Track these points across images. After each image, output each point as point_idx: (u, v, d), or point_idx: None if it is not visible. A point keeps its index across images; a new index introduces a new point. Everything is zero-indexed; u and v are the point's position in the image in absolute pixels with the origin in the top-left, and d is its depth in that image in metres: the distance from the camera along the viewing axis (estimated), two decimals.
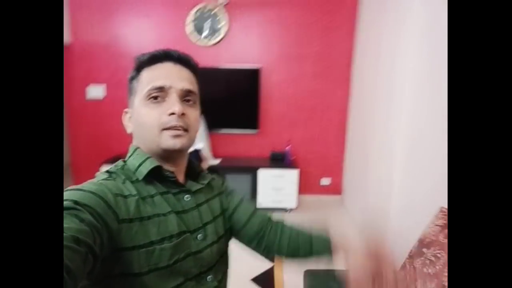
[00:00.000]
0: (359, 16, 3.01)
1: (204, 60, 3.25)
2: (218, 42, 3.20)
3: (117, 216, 0.52)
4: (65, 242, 0.39)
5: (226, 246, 0.73)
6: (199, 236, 0.64)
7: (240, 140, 3.45)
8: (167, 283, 0.56)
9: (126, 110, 0.67)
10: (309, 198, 3.51)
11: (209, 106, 3.31)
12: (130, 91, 0.66)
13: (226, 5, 3.12)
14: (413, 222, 1.79)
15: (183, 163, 0.69)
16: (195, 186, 0.68)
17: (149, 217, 0.56)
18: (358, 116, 3.01)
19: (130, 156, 0.64)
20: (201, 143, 3.08)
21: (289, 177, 3.07)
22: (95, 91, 3.37)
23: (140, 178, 0.60)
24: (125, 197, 0.55)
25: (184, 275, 0.59)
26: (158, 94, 0.60)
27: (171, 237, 0.57)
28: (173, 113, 0.59)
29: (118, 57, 3.29)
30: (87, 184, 0.53)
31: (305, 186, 3.49)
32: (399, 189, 1.99)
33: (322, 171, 3.47)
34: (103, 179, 0.57)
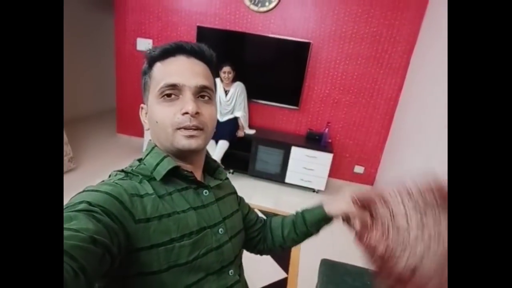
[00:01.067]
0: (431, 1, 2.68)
1: (254, 27, 3.14)
2: (271, 9, 3.04)
3: (133, 217, 0.51)
4: (82, 243, 0.39)
5: (243, 241, 0.74)
6: (220, 230, 0.63)
7: (279, 114, 3.39)
8: (187, 278, 0.55)
9: (142, 105, 0.66)
10: (339, 183, 3.45)
11: (252, 74, 3.29)
12: (143, 87, 0.64)
13: None
14: None
15: (201, 160, 0.68)
16: (213, 182, 0.67)
17: (169, 215, 0.55)
18: (407, 108, 2.80)
19: (147, 155, 0.63)
20: (240, 111, 3.08)
21: (322, 159, 3.01)
22: (144, 44, 3.42)
23: (158, 178, 0.58)
24: (142, 196, 0.54)
25: (205, 270, 0.58)
26: (171, 92, 0.58)
27: (191, 233, 0.57)
28: (186, 113, 0.57)
29: (168, 13, 3.27)
30: (103, 185, 0.53)
31: (337, 171, 3.42)
32: None
33: (357, 159, 3.36)
34: (119, 179, 0.56)
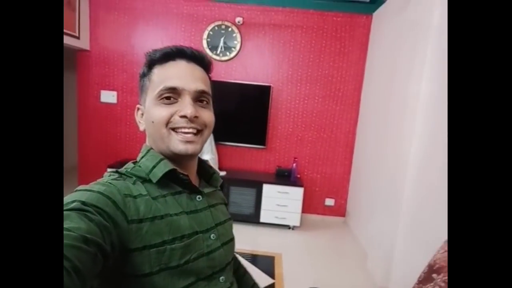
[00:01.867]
0: (371, 41, 3.12)
1: (217, 75, 3.33)
2: (232, 58, 3.29)
3: (126, 217, 0.50)
4: (74, 242, 0.39)
5: (234, 250, 0.73)
6: (212, 235, 0.62)
7: (248, 154, 3.47)
8: (178, 282, 0.54)
9: (138, 106, 0.66)
10: (312, 217, 3.47)
11: (218, 119, 3.36)
12: (141, 89, 0.64)
13: (241, 25, 3.24)
14: (422, 246, 1.77)
15: (194, 165, 0.68)
16: (207, 188, 0.68)
17: (161, 217, 0.55)
18: (365, 139, 3.05)
19: (143, 157, 0.62)
20: (208, 154, 3.10)
21: (294, 194, 3.06)
22: (108, 96, 3.42)
23: (155, 180, 0.58)
24: (135, 197, 0.54)
25: (196, 275, 0.57)
26: (170, 95, 0.58)
27: (182, 237, 0.56)
28: (184, 116, 0.57)
29: (133, 65, 3.38)
30: (96, 185, 0.52)
31: (310, 205, 3.47)
32: (407, 211, 1.99)
33: (326, 191, 3.46)
34: (112, 179, 0.55)
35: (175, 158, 0.61)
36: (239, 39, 3.25)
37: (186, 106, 0.58)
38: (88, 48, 3.33)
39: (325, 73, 3.26)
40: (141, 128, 0.65)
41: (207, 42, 3.27)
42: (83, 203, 0.46)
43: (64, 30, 2.94)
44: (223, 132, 3.39)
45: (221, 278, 0.63)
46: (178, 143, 0.58)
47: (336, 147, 3.38)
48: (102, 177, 0.58)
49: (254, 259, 2.53)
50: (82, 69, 3.43)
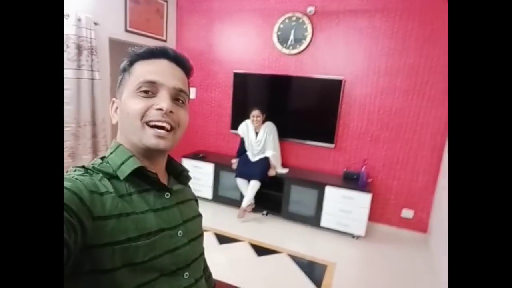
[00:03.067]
0: None
1: (286, 69, 3.25)
2: (302, 51, 3.14)
3: (92, 213, 0.50)
4: None
5: (202, 246, 0.73)
6: (179, 232, 0.63)
7: (315, 153, 3.29)
8: (140, 278, 0.54)
9: (114, 99, 0.66)
10: (383, 228, 3.07)
11: (287, 114, 3.32)
12: (119, 82, 0.65)
13: (313, 14, 3.04)
14: None
15: (163, 162, 0.68)
16: (176, 186, 0.67)
17: (127, 214, 0.55)
18: None
19: (111, 153, 0.62)
20: (270, 150, 3.08)
21: (360, 201, 2.76)
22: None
23: (122, 177, 0.58)
24: (101, 194, 0.54)
25: (160, 271, 0.58)
26: (149, 89, 0.59)
27: (148, 234, 0.56)
28: (160, 109, 0.57)
29: (209, 63, 3.61)
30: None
31: (382, 215, 3.07)
32: None
33: (404, 201, 2.99)
34: (78, 175, 0.55)
35: (146, 152, 0.61)
36: (310, 30, 3.07)
37: (163, 101, 0.58)
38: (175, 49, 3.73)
39: (409, 63, 2.77)
40: (114, 121, 0.65)
41: (278, 36, 3.21)
42: None
43: (154, 35, 3.36)
44: (290, 128, 3.30)
45: (185, 274, 0.63)
46: (151, 137, 0.58)
47: (419, 150, 2.86)
48: (66, 172, 0.57)
49: (303, 263, 2.40)
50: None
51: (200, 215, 0.75)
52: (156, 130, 0.58)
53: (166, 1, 3.46)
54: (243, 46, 3.41)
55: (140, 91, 0.59)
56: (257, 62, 3.38)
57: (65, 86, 2.44)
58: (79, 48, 2.47)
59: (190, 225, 0.67)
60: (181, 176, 0.72)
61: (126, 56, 0.64)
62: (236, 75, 3.44)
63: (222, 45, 3.52)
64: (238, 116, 3.36)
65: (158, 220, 0.59)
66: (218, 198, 3.40)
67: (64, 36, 2.38)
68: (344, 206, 2.82)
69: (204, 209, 3.27)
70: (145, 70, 0.60)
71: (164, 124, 0.58)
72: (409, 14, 2.72)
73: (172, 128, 0.60)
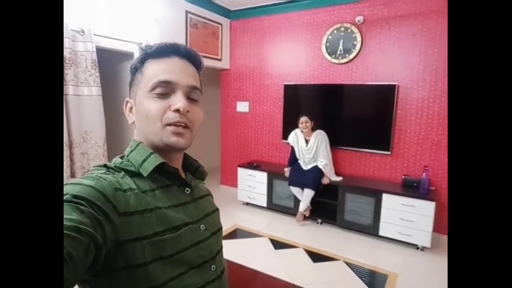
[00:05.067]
0: None
1: (336, 78, 3.28)
2: (351, 60, 3.16)
3: (117, 210, 0.51)
4: (67, 232, 0.40)
5: (222, 239, 0.74)
6: (202, 226, 0.64)
7: (370, 160, 3.22)
8: (171, 271, 0.56)
9: (127, 99, 0.66)
10: None
11: (339, 122, 3.33)
12: (132, 82, 0.64)
13: (361, 23, 3.06)
14: None
15: (181, 159, 0.70)
16: (194, 181, 0.70)
17: (151, 210, 0.56)
18: None
19: (132, 151, 0.62)
20: (323, 159, 3.09)
21: (423, 209, 2.61)
22: (242, 106, 4.00)
23: (145, 174, 0.59)
24: (125, 191, 0.55)
25: (188, 264, 0.59)
26: (163, 89, 0.59)
27: (173, 228, 0.57)
28: (177, 110, 0.58)
29: (261, 78, 3.80)
30: (86, 179, 0.53)
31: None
32: None
33: None
34: (101, 173, 0.56)
35: (165, 151, 0.62)
36: (359, 39, 3.09)
37: (180, 100, 0.59)
38: (228, 67, 4.02)
39: None
40: (130, 121, 0.65)
41: (326, 47, 3.28)
42: (75, 196, 0.47)
43: (210, 55, 3.68)
44: (343, 135, 3.29)
45: (212, 266, 0.64)
46: (170, 135, 0.59)
47: None
48: (88, 171, 0.60)
49: (362, 271, 2.34)
50: (224, 85, 4.16)
51: (217, 209, 0.76)
52: (174, 126, 0.59)
53: (221, 24, 3.78)
54: (293, 59, 3.55)
55: (155, 92, 0.59)
56: (307, 74, 3.47)
57: None
58: (130, 65, 2.82)
59: (210, 219, 0.69)
60: (197, 172, 0.72)
61: None
62: (286, 87, 3.57)
63: (273, 59, 3.70)
64: (289, 126, 3.45)
65: (181, 214, 0.61)
66: (272, 205, 3.48)
67: None
68: (405, 215, 2.68)
69: (259, 216, 3.41)
70: (157, 70, 0.60)
71: (182, 124, 0.60)
72: None
73: (188, 127, 0.61)
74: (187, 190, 0.66)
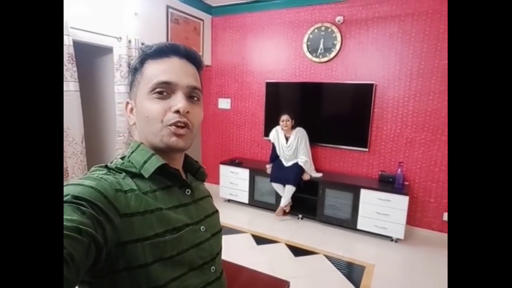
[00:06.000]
0: None
1: (317, 76, 3.35)
2: (331, 59, 3.24)
3: (118, 211, 0.51)
4: (68, 232, 0.40)
5: (221, 240, 0.74)
6: (202, 227, 0.65)
7: (348, 157, 3.33)
8: (171, 272, 0.56)
9: (128, 100, 0.65)
10: (423, 232, 3.00)
11: (319, 119, 3.41)
12: (132, 82, 0.64)
13: (341, 23, 3.14)
14: None
15: (181, 160, 0.70)
16: (195, 182, 0.70)
17: (151, 211, 0.56)
18: None
19: (132, 152, 0.62)
20: (303, 157, 3.16)
21: (397, 203, 2.74)
22: (223, 103, 4.00)
23: (147, 175, 0.58)
24: (125, 192, 0.55)
25: (189, 265, 0.59)
26: (163, 89, 0.59)
27: (173, 229, 0.57)
28: (177, 111, 0.58)
29: (243, 75, 3.81)
30: (87, 180, 0.52)
31: (422, 219, 3.01)
32: None
33: (445, 204, 2.91)
34: (102, 174, 0.56)
35: (166, 151, 0.62)
36: (339, 38, 3.17)
37: (179, 101, 0.59)
38: (210, 63, 3.99)
39: (443, 64, 2.76)
40: (131, 122, 0.65)
41: (307, 46, 3.34)
42: (76, 197, 0.47)
43: None
44: (323, 133, 3.38)
45: (211, 268, 0.65)
46: (170, 135, 0.59)
47: None
48: (89, 171, 0.59)
49: (341, 264, 2.43)
50: (205, 82, 4.12)
51: (217, 211, 0.76)
52: (174, 127, 0.59)
53: (202, 20, 3.74)
54: (274, 57, 3.58)
55: (155, 93, 0.59)
56: (288, 72, 3.52)
57: (118, 101, 2.73)
58: (130, 66, 2.76)
59: (211, 220, 0.69)
60: (198, 173, 0.73)
61: None
62: (268, 84, 3.61)
63: (255, 57, 3.71)
64: (270, 123, 3.49)
65: (182, 215, 0.61)
66: (254, 202, 3.52)
67: (117, 56, 2.69)
68: (381, 209, 2.81)
69: (241, 212, 3.45)
70: (157, 71, 0.59)
71: (182, 125, 0.60)
72: (441, 16, 2.73)
73: (188, 127, 0.61)
74: (188, 191, 0.66)
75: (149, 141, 0.62)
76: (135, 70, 0.63)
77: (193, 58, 0.64)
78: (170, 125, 0.59)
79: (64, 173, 2.30)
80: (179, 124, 0.59)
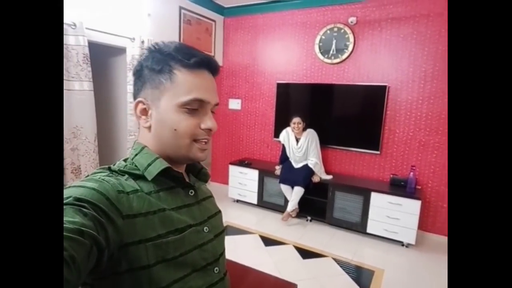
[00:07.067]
0: None
1: (329, 78, 3.32)
2: (343, 60, 3.21)
3: (120, 212, 0.51)
4: (70, 234, 0.40)
5: (224, 241, 0.74)
6: (205, 228, 0.65)
7: (359, 160, 3.28)
8: (174, 274, 0.56)
9: (141, 99, 0.61)
10: (436, 238, 2.93)
11: (330, 121, 3.38)
12: (151, 83, 0.60)
13: (354, 24, 3.10)
14: None
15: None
16: (198, 183, 0.70)
17: (154, 212, 0.56)
18: None
19: (136, 155, 0.62)
20: (313, 158, 3.14)
21: (409, 207, 2.68)
22: (234, 103, 4.01)
23: (150, 178, 0.59)
24: (128, 193, 0.55)
25: (192, 266, 0.59)
26: (195, 105, 0.59)
27: (176, 230, 0.57)
28: (209, 129, 0.61)
29: (254, 76, 3.81)
30: (89, 181, 0.52)
31: (434, 224, 2.94)
32: None
33: None
34: (104, 175, 0.56)
35: (184, 161, 0.65)
36: (351, 39, 3.13)
37: (209, 120, 0.61)
38: (221, 64, 4.01)
39: None
40: (146, 125, 0.62)
41: (319, 47, 3.32)
42: (78, 199, 0.47)
43: (204, 51, 3.66)
44: (334, 135, 3.35)
45: (215, 269, 0.65)
46: (198, 151, 0.61)
47: None
48: (91, 173, 0.59)
49: (349, 267, 2.40)
50: (216, 82, 4.10)
51: (220, 212, 0.76)
52: (202, 144, 0.61)
53: (214, 21, 3.77)
54: (286, 58, 3.57)
55: (187, 107, 0.59)
56: (299, 73, 3.50)
57: (129, 100, 2.78)
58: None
59: (214, 221, 0.69)
60: (200, 174, 0.73)
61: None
62: (279, 85, 3.60)
63: (266, 58, 3.71)
64: (281, 124, 3.48)
65: (185, 216, 0.61)
66: (263, 203, 3.51)
67: (130, 56, 2.73)
68: (392, 213, 2.76)
69: (249, 213, 3.44)
70: (192, 84, 0.59)
71: (206, 140, 0.62)
72: None
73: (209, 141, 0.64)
74: (191, 192, 0.66)
75: (165, 150, 0.62)
76: (159, 72, 0.59)
77: (216, 72, 0.66)
78: (198, 141, 0.61)
79: (77, 171, 2.35)
80: (206, 140, 0.62)
